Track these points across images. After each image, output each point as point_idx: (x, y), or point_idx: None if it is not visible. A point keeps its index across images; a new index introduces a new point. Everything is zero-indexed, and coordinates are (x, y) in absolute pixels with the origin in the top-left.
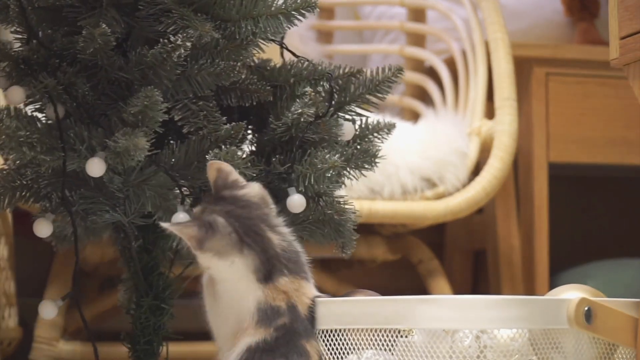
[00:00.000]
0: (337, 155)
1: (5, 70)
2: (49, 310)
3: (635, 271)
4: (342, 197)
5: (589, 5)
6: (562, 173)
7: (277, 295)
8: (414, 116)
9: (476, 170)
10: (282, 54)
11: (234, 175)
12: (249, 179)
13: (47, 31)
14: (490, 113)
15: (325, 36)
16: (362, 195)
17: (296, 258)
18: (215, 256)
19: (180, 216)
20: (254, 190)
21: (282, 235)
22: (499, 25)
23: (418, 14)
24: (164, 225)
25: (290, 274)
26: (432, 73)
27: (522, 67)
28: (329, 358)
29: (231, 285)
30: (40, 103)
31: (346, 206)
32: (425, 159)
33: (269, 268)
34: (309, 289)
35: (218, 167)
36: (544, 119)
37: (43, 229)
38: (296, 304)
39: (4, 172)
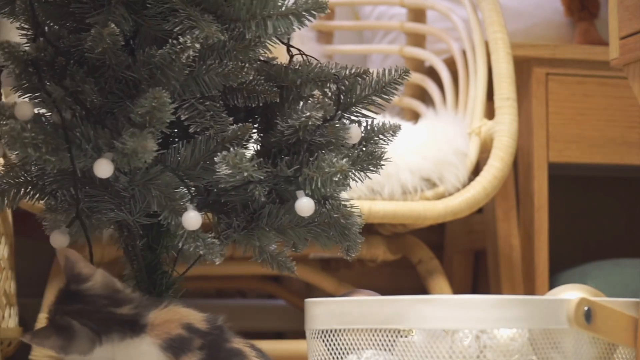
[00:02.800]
0: (344, 159)
1: (15, 71)
2: (60, 240)
3: (635, 271)
4: (348, 200)
5: (589, 5)
6: (562, 173)
7: (169, 326)
8: (414, 116)
9: (476, 170)
10: (289, 54)
11: (78, 267)
12: (257, 181)
13: (53, 27)
14: (490, 113)
15: (325, 36)
16: (362, 195)
17: (148, 302)
18: (78, 355)
19: (191, 214)
20: (97, 281)
21: (130, 302)
22: (499, 25)
23: (418, 14)
24: (24, 338)
25: (157, 308)
26: (432, 73)
27: (522, 67)
28: (329, 358)
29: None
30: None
31: (352, 209)
32: (425, 159)
33: (133, 324)
34: (184, 308)
35: (65, 255)
36: (544, 119)
37: (59, 240)
38: (190, 322)
39: (9, 168)
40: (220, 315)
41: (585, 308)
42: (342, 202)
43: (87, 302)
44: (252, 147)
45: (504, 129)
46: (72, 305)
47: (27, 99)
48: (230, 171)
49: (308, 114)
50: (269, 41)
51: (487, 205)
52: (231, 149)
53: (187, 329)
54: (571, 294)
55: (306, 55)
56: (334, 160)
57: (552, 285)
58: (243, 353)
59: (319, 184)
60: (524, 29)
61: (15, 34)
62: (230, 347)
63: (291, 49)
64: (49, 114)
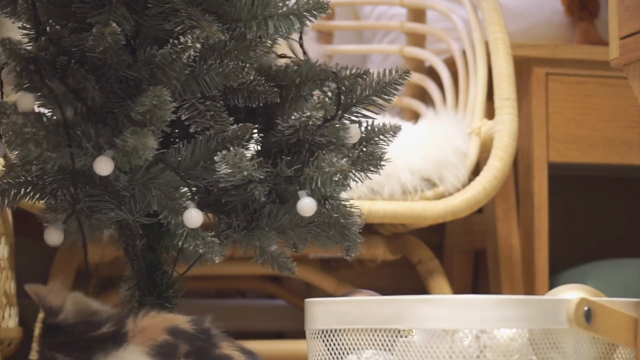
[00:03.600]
0: (344, 159)
1: (16, 69)
2: (54, 237)
3: (635, 271)
4: (348, 200)
5: (589, 5)
6: (562, 173)
7: (153, 331)
8: (414, 116)
9: (476, 170)
10: (282, 55)
11: (48, 301)
12: (257, 180)
13: (54, 27)
14: (490, 113)
15: (325, 36)
16: (362, 195)
17: (126, 313)
18: None
19: (192, 212)
20: (69, 311)
21: (109, 321)
22: (499, 25)
23: (418, 14)
24: None
25: (135, 316)
26: (432, 73)
27: (522, 67)
28: (329, 358)
29: None
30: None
31: (352, 209)
32: (425, 159)
33: (113, 338)
34: (167, 313)
35: (34, 293)
36: (544, 119)
37: (53, 236)
38: (175, 324)
39: (9, 168)
40: (207, 316)
41: (585, 308)
42: (342, 202)
43: (66, 334)
44: (252, 148)
45: (504, 129)
46: (55, 338)
47: (28, 93)
48: (230, 170)
49: (309, 113)
50: (269, 42)
51: (487, 205)
52: (231, 149)
53: (172, 333)
54: (571, 294)
55: (305, 53)
56: (334, 160)
57: (552, 285)
58: (231, 358)
59: (319, 183)
60: (524, 29)
61: (15, 32)
62: (218, 354)
63: (285, 49)
64: (50, 113)
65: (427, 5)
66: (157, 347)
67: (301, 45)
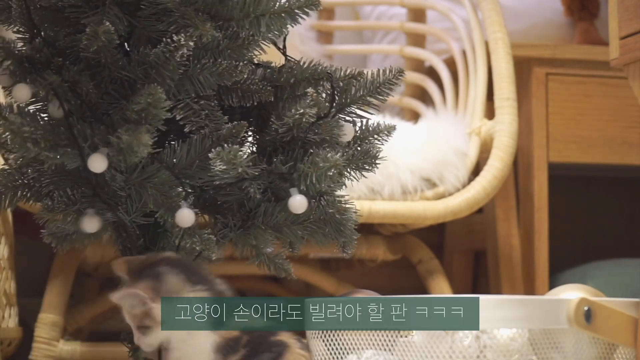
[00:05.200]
0: (338, 154)
1: (9, 68)
2: (91, 225)
3: (635, 271)
4: (343, 196)
5: (589, 5)
6: (562, 173)
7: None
8: (414, 116)
9: (476, 170)
10: (284, 54)
11: (141, 257)
12: (251, 177)
13: (49, 32)
14: (490, 113)
15: (325, 36)
16: (362, 195)
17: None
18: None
19: (184, 212)
20: (171, 254)
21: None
22: (499, 25)
23: (418, 14)
24: (113, 297)
25: None
26: (432, 73)
27: (522, 67)
28: (329, 358)
29: (184, 345)
30: (43, 102)
31: (347, 206)
32: (425, 159)
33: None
34: None
35: (123, 262)
36: (544, 119)
37: (90, 224)
38: None
39: (6, 171)
40: None
41: (585, 308)
42: (337, 198)
43: (169, 262)
44: (247, 150)
45: (504, 129)
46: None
47: (24, 84)
48: (224, 167)
49: (302, 110)
50: (262, 40)
51: (487, 205)
52: (225, 146)
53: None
54: (571, 294)
55: (288, 56)
56: (328, 155)
57: (552, 285)
58: (285, 344)
59: (314, 179)
60: (524, 29)
61: (11, 33)
62: (273, 340)
63: (284, 51)
64: (46, 116)
65: (427, 5)
66: (225, 342)
67: (284, 47)
